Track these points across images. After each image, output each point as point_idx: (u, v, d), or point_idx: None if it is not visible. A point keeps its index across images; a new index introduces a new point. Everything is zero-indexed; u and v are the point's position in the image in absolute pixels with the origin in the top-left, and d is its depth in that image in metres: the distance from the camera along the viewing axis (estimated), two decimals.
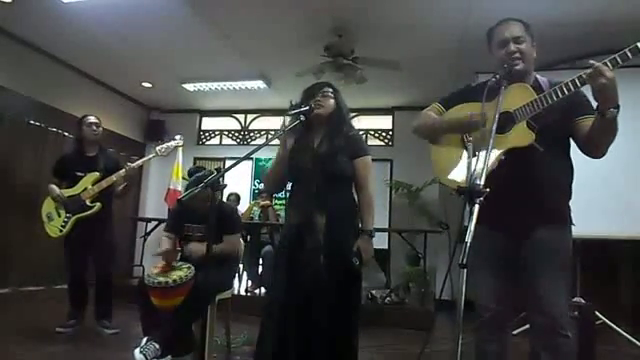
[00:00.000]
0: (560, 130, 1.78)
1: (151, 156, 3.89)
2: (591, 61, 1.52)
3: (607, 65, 1.51)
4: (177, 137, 4.08)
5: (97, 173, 3.69)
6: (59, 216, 3.68)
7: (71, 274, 3.76)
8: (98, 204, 3.65)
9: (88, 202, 3.65)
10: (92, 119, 3.84)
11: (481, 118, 1.66)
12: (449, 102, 1.99)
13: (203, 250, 2.96)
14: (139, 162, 3.76)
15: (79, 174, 3.71)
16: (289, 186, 2.41)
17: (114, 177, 3.64)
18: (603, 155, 1.75)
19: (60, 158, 3.96)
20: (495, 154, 1.67)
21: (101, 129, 3.90)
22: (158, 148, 3.84)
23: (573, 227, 1.83)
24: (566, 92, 1.63)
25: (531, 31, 1.86)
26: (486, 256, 1.80)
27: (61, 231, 3.65)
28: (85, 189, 3.66)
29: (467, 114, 1.78)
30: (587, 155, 1.78)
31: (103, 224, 3.75)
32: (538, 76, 1.88)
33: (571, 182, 1.85)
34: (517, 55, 1.80)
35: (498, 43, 1.85)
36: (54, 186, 3.73)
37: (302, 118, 2.20)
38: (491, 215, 1.76)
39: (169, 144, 3.90)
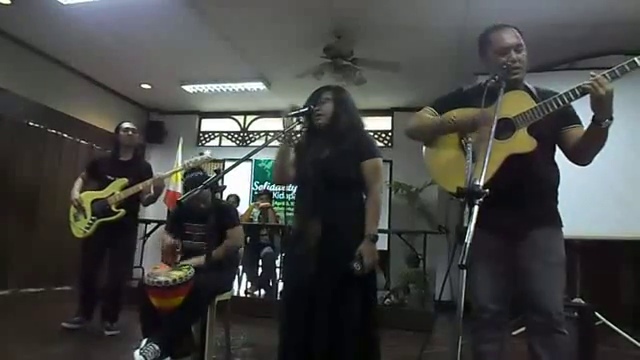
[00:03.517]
0: (550, 137, 1.82)
1: (179, 168, 3.93)
2: (592, 72, 1.56)
3: (606, 77, 1.55)
4: (207, 152, 4.03)
5: (126, 179, 3.72)
6: (85, 217, 3.72)
7: (83, 273, 3.81)
8: (122, 211, 3.68)
9: (113, 207, 3.68)
10: (128, 124, 3.93)
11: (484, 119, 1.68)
12: (443, 105, 1.99)
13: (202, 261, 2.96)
14: (167, 173, 3.80)
15: (110, 177, 3.76)
16: (294, 191, 2.40)
17: (140, 186, 3.66)
18: (589, 163, 1.81)
19: (95, 159, 4.08)
20: (496, 160, 1.68)
21: (137, 135, 4.00)
22: (187, 161, 3.82)
23: (565, 228, 1.87)
24: (567, 101, 1.66)
25: (524, 37, 1.88)
26: (484, 258, 1.81)
27: (85, 232, 3.70)
28: (112, 194, 3.70)
29: (478, 112, 1.76)
30: (574, 162, 1.84)
31: (126, 230, 3.80)
32: (526, 82, 1.90)
33: (557, 186, 1.91)
34: (518, 64, 1.81)
35: (498, 50, 1.84)
36: (75, 190, 3.79)
37: (302, 119, 2.20)
38: (489, 218, 1.77)
39: (198, 158, 3.83)
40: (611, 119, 1.61)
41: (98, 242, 3.70)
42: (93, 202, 3.72)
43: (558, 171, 1.91)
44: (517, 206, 1.78)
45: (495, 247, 1.83)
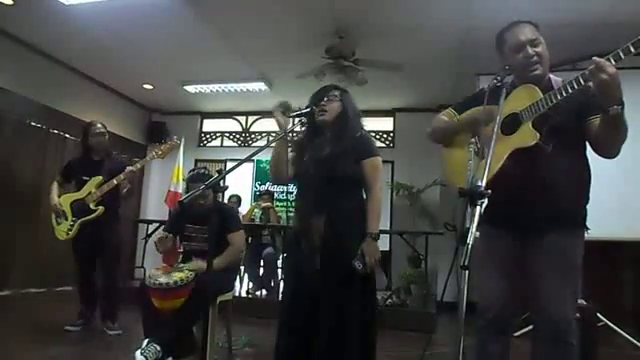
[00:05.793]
0: (573, 131, 1.73)
1: (148, 158, 3.94)
2: (594, 57, 1.48)
3: (610, 60, 1.47)
4: (174, 137, 4.12)
5: (100, 177, 3.76)
6: (66, 219, 3.77)
7: (80, 275, 3.88)
8: (101, 208, 3.72)
9: (92, 206, 3.73)
10: (98, 129, 3.91)
11: (485, 115, 1.66)
12: (463, 107, 1.99)
13: (204, 267, 2.91)
14: (138, 165, 3.82)
15: (85, 178, 3.81)
16: (294, 190, 2.41)
17: (114, 181, 3.70)
18: (616, 155, 1.70)
19: (68, 163, 4.08)
20: (501, 155, 1.65)
21: (107, 137, 3.99)
22: (155, 150, 3.88)
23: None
24: (570, 90, 1.60)
25: (541, 31, 1.82)
26: (493, 256, 1.80)
27: (68, 234, 3.75)
28: (89, 193, 3.75)
29: (480, 109, 1.77)
30: (600, 155, 1.74)
31: (108, 226, 3.80)
32: (552, 76, 1.84)
33: (586, 184, 1.81)
34: (535, 59, 1.76)
35: (513, 47, 1.79)
36: (53, 195, 3.83)
37: (304, 120, 2.20)
38: (500, 215, 1.75)
39: (166, 146, 3.91)
40: (620, 105, 1.51)
41: (86, 243, 3.75)
42: (72, 204, 3.78)
43: (586, 168, 1.81)
44: (528, 204, 1.71)
45: (506, 245, 1.79)
